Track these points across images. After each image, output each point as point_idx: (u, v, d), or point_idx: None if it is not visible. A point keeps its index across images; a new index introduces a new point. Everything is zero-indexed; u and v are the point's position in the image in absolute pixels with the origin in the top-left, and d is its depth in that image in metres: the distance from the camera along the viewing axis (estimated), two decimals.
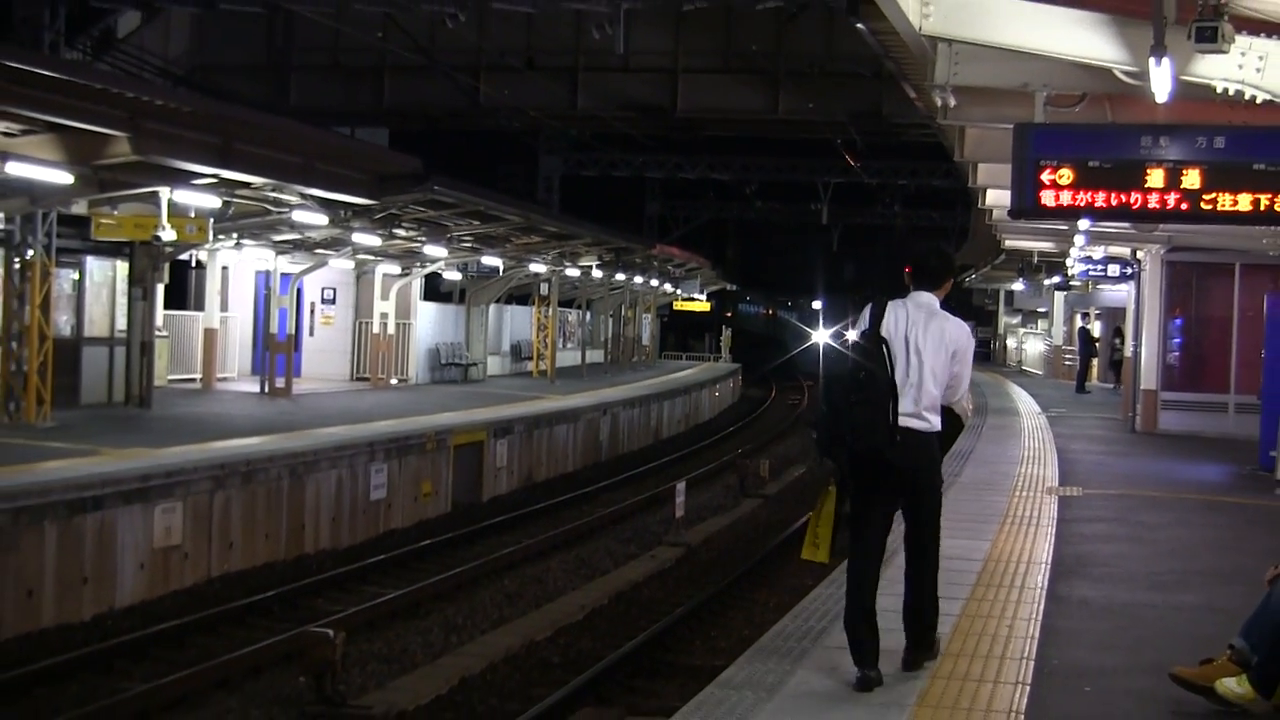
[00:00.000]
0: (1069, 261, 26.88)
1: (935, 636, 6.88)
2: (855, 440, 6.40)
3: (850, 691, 6.46)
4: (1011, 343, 55.45)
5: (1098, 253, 25.16)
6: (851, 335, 6.68)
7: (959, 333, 6.69)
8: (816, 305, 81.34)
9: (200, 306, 26.62)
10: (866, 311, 6.65)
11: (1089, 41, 9.63)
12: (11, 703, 10.25)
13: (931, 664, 6.83)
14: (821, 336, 56.65)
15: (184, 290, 27.83)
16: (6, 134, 14.98)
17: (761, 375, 58.42)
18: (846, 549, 6.72)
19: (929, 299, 6.71)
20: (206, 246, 23.22)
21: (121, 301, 20.99)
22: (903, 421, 6.41)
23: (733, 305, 70.33)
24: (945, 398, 6.64)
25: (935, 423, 6.57)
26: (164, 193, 17.76)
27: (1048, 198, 9.60)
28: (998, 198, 18.68)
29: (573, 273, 35.43)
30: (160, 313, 23.42)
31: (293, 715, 10.30)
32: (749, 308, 77.19)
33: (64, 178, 15.86)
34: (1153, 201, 9.47)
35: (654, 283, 45.60)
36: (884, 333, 6.49)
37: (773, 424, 40.81)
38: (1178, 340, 23.14)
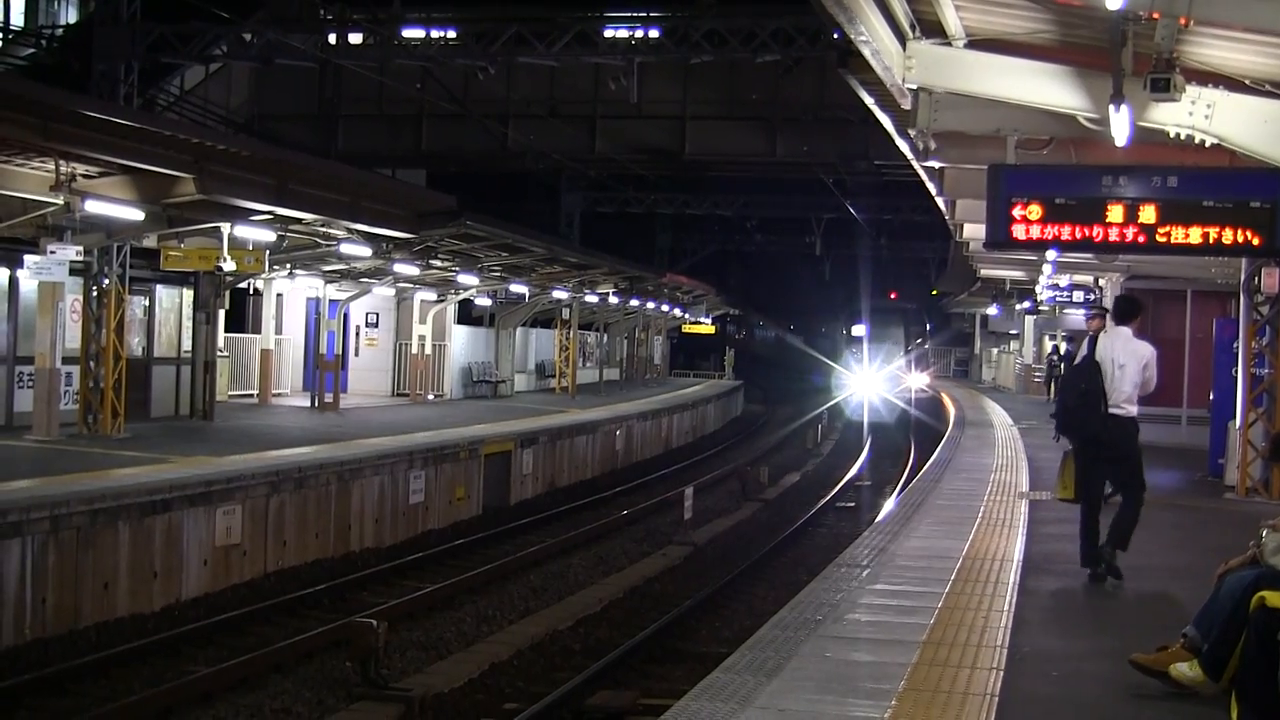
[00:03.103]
0: (1038, 288, 26.86)
1: (1128, 538, 8.98)
2: (1080, 425, 9.03)
3: (843, 674, 6.47)
4: (987, 362, 55.19)
5: (1064, 280, 25.16)
6: (1077, 360, 9.26)
7: (1145, 350, 9.07)
8: (800, 327, 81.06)
9: (257, 330, 26.68)
10: (1085, 341, 9.22)
11: (1055, 91, 9.66)
12: (92, 682, 10.32)
13: (1122, 551, 8.93)
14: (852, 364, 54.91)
15: (243, 315, 27.89)
16: (86, 176, 15.11)
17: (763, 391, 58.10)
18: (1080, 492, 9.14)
19: (1126, 330, 9.08)
20: (263, 276, 23.27)
21: (187, 325, 21.10)
22: (1109, 410, 8.83)
23: (738, 329, 70.21)
24: (1143, 390, 9.03)
25: (1132, 411, 9.00)
26: (225, 228, 17.81)
27: (1019, 231, 9.65)
28: (974, 231, 18.70)
29: (591, 299, 35.45)
30: (221, 335, 23.51)
31: (341, 696, 10.33)
32: (757, 331, 77.11)
33: (136, 215, 15.96)
34: (1113, 234, 9.52)
35: (664, 308, 45.58)
36: (1098, 355, 8.91)
37: (771, 433, 40.72)
38: None
